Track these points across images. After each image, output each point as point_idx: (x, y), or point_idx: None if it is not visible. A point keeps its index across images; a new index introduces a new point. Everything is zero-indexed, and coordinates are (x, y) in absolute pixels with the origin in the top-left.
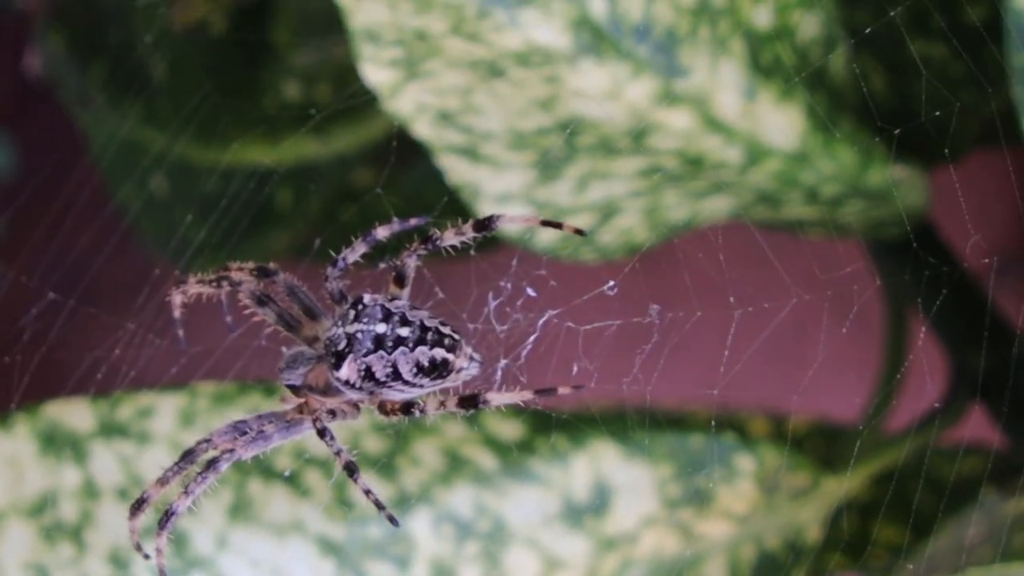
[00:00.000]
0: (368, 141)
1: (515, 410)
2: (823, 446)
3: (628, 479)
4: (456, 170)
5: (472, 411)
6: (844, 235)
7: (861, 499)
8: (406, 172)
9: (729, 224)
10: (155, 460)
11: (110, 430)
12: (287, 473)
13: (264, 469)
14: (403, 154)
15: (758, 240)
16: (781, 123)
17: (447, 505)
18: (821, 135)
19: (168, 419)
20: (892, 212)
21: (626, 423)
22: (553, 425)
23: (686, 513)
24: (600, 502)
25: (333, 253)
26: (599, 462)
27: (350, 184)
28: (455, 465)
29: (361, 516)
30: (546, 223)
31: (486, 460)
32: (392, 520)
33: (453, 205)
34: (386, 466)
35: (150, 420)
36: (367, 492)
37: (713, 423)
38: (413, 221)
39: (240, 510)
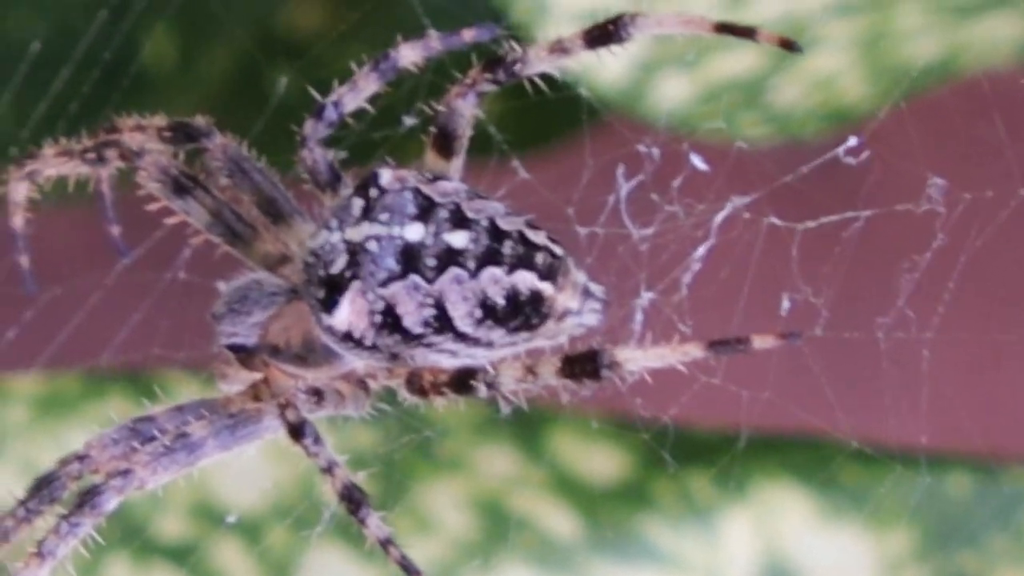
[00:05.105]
0: None
1: (615, 422)
2: None
3: (830, 554)
4: None
5: (589, 384)
6: None
7: None
8: None
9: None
10: None
11: None
12: (187, 544)
13: (131, 533)
14: None
15: None
16: None
17: None
18: None
19: None
20: None
21: (828, 449)
22: (685, 453)
23: None
24: None
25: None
26: (775, 523)
27: (282, 23)
28: (499, 530)
29: None
30: (724, 28)
31: (559, 522)
32: None
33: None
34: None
35: None
36: (385, 544)
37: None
38: (468, 34)
39: None
